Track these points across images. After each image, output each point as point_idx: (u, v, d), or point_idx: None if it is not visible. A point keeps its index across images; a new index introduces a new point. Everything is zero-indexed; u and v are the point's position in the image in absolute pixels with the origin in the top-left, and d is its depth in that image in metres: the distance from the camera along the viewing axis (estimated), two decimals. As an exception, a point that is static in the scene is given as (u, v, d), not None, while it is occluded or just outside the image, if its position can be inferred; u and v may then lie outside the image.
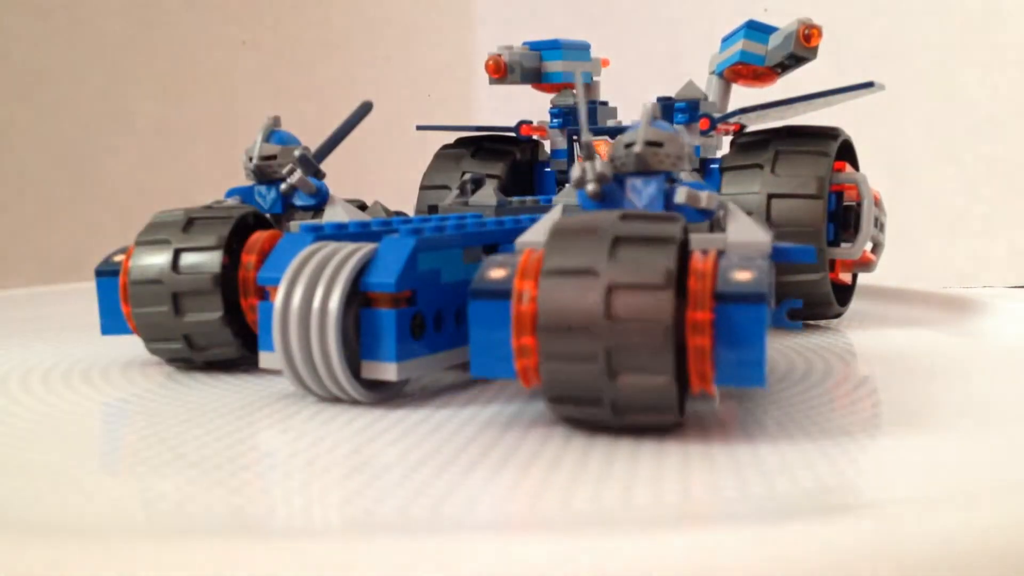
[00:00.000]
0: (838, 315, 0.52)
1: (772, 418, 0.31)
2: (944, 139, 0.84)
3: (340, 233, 0.35)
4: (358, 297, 0.32)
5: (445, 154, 0.60)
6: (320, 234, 0.34)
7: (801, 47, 0.53)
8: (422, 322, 0.32)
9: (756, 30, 0.55)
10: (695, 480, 0.25)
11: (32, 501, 0.24)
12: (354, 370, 0.32)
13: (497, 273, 0.28)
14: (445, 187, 0.57)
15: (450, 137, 0.61)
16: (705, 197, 0.31)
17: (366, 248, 0.32)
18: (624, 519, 0.22)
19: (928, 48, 0.82)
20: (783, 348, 0.45)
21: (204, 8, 0.89)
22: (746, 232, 0.31)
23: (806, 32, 0.53)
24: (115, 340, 0.43)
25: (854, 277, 0.55)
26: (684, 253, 0.28)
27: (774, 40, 0.54)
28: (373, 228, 0.37)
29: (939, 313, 0.56)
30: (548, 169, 0.59)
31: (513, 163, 0.59)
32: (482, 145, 0.59)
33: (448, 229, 0.35)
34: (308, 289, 0.31)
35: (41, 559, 0.19)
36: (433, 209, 0.49)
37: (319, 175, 0.45)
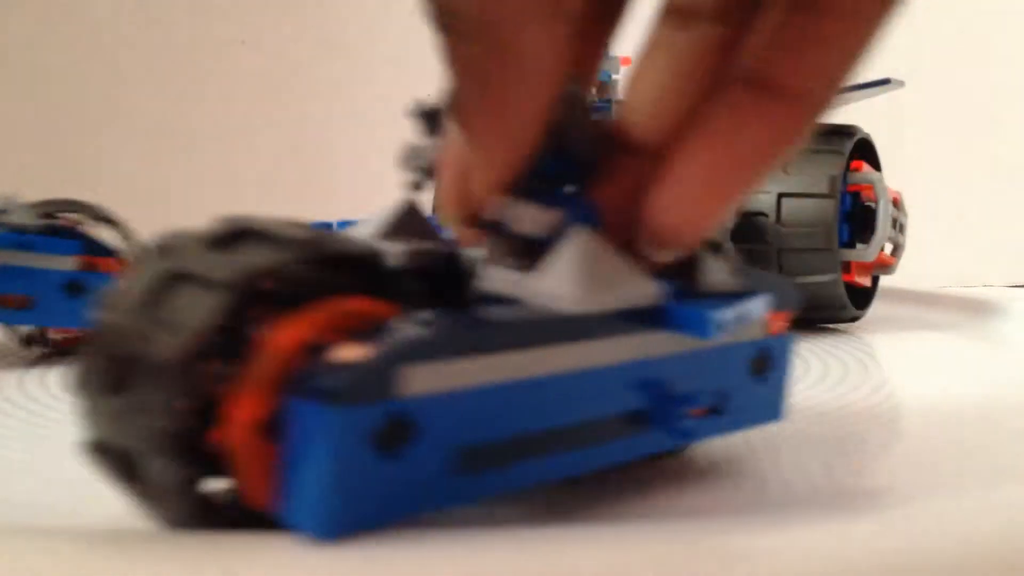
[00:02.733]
0: (855, 319, 0.50)
1: (790, 419, 0.30)
2: (944, 139, 0.84)
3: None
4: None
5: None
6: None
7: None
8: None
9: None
10: (713, 483, 0.24)
11: (29, 504, 0.23)
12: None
13: None
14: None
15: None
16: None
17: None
18: (644, 521, 0.21)
19: (928, 48, 0.81)
20: (800, 350, 0.44)
21: (204, 8, 0.88)
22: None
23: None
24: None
25: (875, 280, 0.53)
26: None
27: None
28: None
29: (958, 316, 0.54)
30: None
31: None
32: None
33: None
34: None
35: (38, 563, 0.18)
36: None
37: None
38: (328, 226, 0.35)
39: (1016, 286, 0.65)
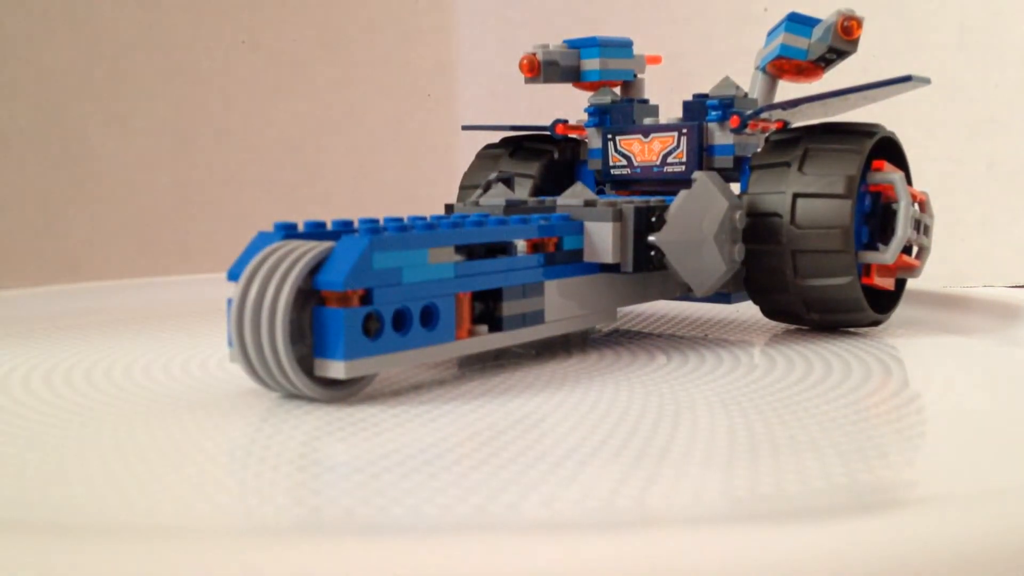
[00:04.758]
0: (876, 323, 0.49)
1: (812, 417, 0.31)
2: (944, 139, 0.81)
3: (312, 232, 0.35)
4: (315, 295, 0.32)
5: (486, 154, 0.60)
6: (290, 233, 0.35)
7: (840, 40, 0.50)
8: (378, 321, 0.32)
9: (798, 23, 0.52)
10: (730, 481, 0.25)
11: (25, 503, 0.24)
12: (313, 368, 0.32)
13: None
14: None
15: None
16: None
17: (322, 247, 0.32)
18: (662, 519, 0.22)
19: (928, 48, 0.78)
20: (821, 351, 0.44)
21: (204, 8, 0.91)
22: None
23: (845, 24, 0.50)
24: (106, 341, 0.44)
25: (901, 283, 0.51)
26: None
27: (816, 33, 0.52)
28: (354, 227, 0.37)
29: (983, 319, 0.52)
30: (589, 168, 0.58)
31: (550, 162, 0.58)
32: (522, 145, 0.59)
33: (416, 229, 0.34)
34: (262, 286, 0.31)
35: (37, 561, 0.19)
36: (449, 208, 0.49)
37: None
38: (321, 226, 0.36)
39: (1016, 286, 0.62)
